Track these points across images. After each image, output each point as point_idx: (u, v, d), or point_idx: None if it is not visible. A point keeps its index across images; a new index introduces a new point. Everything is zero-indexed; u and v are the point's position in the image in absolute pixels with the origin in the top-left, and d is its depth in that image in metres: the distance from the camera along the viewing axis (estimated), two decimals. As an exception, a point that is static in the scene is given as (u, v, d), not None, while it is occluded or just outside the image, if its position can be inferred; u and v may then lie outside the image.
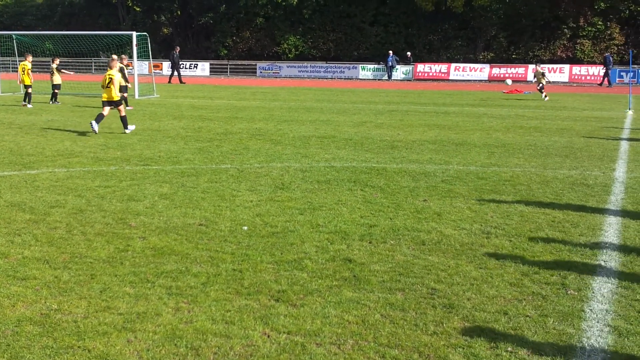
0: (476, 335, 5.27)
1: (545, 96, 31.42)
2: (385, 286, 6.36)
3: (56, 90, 28.42)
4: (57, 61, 29.01)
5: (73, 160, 13.46)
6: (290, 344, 5.10)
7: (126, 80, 25.64)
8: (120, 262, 7.05)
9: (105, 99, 18.29)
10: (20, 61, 29.43)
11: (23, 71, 27.37)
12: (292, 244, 7.73)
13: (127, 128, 18.18)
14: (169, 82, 45.99)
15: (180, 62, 49.78)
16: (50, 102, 27.86)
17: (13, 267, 6.84)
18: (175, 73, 46.70)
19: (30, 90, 27.03)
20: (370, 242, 7.82)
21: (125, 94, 25.34)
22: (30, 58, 28.27)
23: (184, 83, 45.33)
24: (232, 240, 7.88)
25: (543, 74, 32.14)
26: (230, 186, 11.00)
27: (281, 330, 5.36)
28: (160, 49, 66.97)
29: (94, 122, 17.76)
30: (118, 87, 18.39)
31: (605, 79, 46.03)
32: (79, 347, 5.04)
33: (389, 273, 6.73)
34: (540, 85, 31.90)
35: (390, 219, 8.92)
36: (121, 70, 26.44)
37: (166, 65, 62.15)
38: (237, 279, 6.53)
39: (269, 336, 5.25)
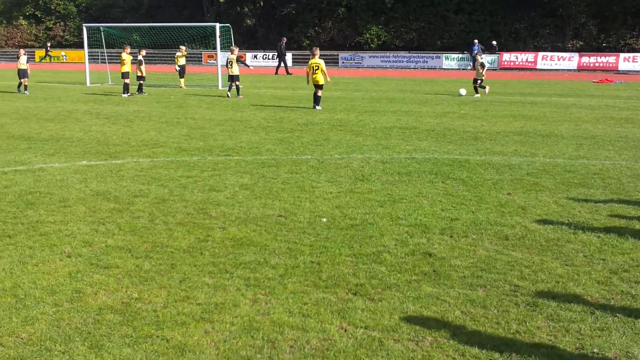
0: (561, 335, 5.06)
1: (485, 87, 28.05)
2: (466, 282, 6.19)
3: (141, 82, 29.05)
4: (144, 52, 29.64)
5: (157, 151, 13.71)
6: (368, 339, 5.02)
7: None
8: (200, 252, 7.12)
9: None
10: (109, 53, 30.30)
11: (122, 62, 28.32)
12: (371, 236, 7.64)
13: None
14: (276, 73, 45.85)
15: (286, 53, 49.27)
16: (137, 94, 28.51)
17: (96, 256, 6.98)
18: (282, 64, 46.21)
19: (128, 81, 27.95)
20: (451, 236, 7.65)
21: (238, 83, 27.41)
22: (128, 50, 29.06)
23: (291, 74, 45.23)
24: (310, 232, 7.84)
25: (482, 65, 28.03)
26: (310, 177, 10.97)
27: (358, 324, 5.28)
28: (243, 40, 67.71)
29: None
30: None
31: None
32: (157, 336, 5.09)
33: (470, 268, 6.56)
34: (480, 80, 27.76)
35: (473, 212, 8.71)
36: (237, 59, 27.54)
37: (250, 57, 62.96)
38: (315, 272, 6.48)
39: (346, 330, 5.18)
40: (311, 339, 5.03)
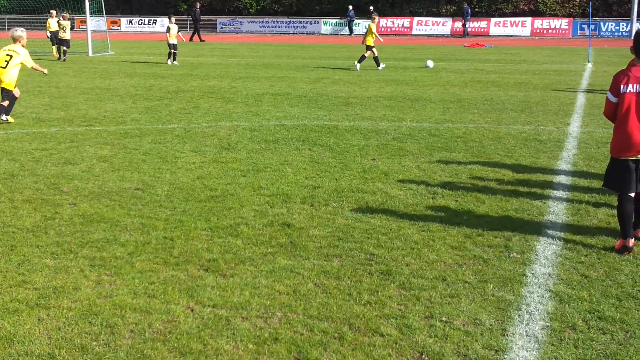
0: (411, 304, 5.01)
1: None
2: (322, 252, 6.07)
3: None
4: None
5: (12, 122, 12.88)
6: (214, 319, 4.78)
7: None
8: (45, 231, 6.66)
9: None
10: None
11: None
12: (230, 208, 7.39)
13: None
14: (190, 40, 44.21)
15: (200, 19, 47.06)
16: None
17: None
18: (196, 31, 44.77)
19: None
20: (312, 205, 7.51)
21: None
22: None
23: (204, 41, 43.60)
24: (167, 205, 7.51)
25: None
26: (174, 147, 10.59)
27: (206, 303, 5.04)
28: (117, 5, 65.30)
29: None
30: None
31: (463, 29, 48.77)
32: (-17, 327, 4.67)
33: (328, 238, 6.43)
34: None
35: (336, 179, 8.61)
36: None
37: (125, 22, 60.84)
38: (167, 248, 6.18)
39: (192, 310, 4.94)
40: (154, 321, 4.74)
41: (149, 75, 21.83)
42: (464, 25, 49.61)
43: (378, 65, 23.67)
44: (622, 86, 6.05)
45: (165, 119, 13.22)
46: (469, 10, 49.43)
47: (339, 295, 5.17)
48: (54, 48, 30.65)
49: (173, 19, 27.54)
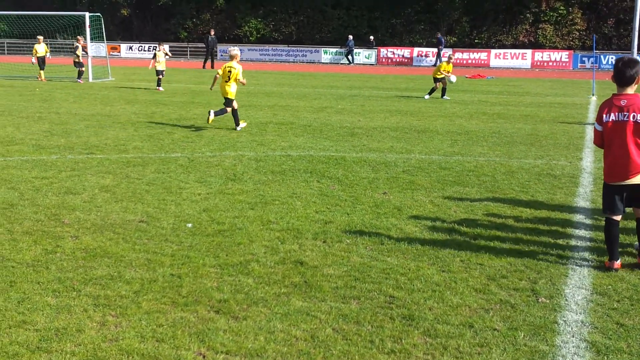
0: (439, 353, 4.68)
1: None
2: (339, 294, 5.74)
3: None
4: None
5: (12, 149, 12.59)
6: (228, 367, 4.46)
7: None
8: (46, 266, 6.33)
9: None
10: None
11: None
12: (239, 243, 7.07)
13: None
14: (203, 67, 43.80)
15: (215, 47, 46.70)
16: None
17: None
18: (209, 58, 44.30)
19: None
20: (324, 242, 7.20)
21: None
22: None
23: (205, 68, 43.32)
24: (173, 239, 7.19)
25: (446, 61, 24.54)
26: (179, 177, 10.29)
27: (219, 349, 4.71)
28: (118, 31, 65.39)
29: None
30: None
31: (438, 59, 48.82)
32: (-20, 374, 4.34)
33: (344, 278, 6.11)
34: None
35: (347, 214, 8.30)
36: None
37: (125, 48, 60.81)
38: (175, 286, 5.85)
39: (204, 356, 4.61)
40: (164, 369, 4.42)
41: (151, 102, 21.58)
42: (437, 55, 50.40)
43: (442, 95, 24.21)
44: (604, 115, 6.38)
45: (168, 148, 12.93)
46: (443, 40, 50.78)
47: (360, 343, 4.84)
48: (42, 72, 30.84)
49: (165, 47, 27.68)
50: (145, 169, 10.88)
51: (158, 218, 8.01)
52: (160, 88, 26.30)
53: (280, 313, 5.33)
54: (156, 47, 27.98)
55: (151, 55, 28.67)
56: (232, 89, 15.49)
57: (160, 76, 26.45)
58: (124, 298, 5.58)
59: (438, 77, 24.10)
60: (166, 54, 27.53)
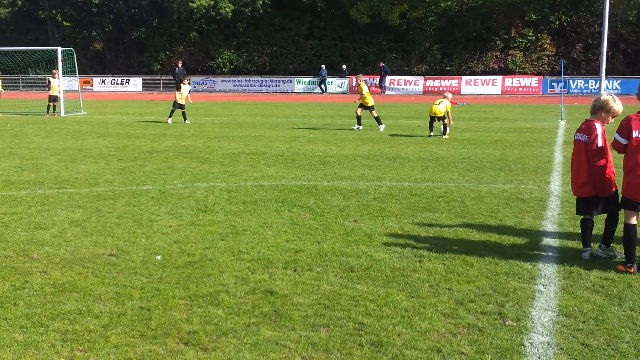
0: (406, 379, 4.71)
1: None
2: (309, 322, 5.76)
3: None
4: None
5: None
6: (196, 399, 4.45)
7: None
8: (14, 302, 6.28)
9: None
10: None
11: None
12: (209, 274, 7.07)
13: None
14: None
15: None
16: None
17: None
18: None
19: None
20: (294, 270, 7.22)
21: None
22: None
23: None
24: (143, 272, 7.17)
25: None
26: (149, 210, 10.27)
27: (187, 381, 4.70)
28: (91, 65, 65.39)
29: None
30: None
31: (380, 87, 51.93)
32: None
33: (313, 306, 6.13)
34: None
35: (318, 242, 8.34)
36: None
37: (98, 82, 60.70)
38: (144, 319, 5.84)
39: (172, 389, 4.60)
40: (131, 403, 4.40)
41: (122, 135, 21.56)
42: (380, 82, 52.69)
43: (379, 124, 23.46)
44: (634, 132, 7.04)
45: (139, 180, 12.92)
46: (387, 68, 53.10)
47: (329, 370, 4.86)
48: None
49: (186, 80, 28.39)
50: (116, 202, 10.85)
51: (128, 251, 7.99)
52: (187, 121, 26.41)
53: (249, 343, 5.33)
54: (181, 80, 28.65)
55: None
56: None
57: (184, 110, 26.67)
58: (92, 332, 5.56)
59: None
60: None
